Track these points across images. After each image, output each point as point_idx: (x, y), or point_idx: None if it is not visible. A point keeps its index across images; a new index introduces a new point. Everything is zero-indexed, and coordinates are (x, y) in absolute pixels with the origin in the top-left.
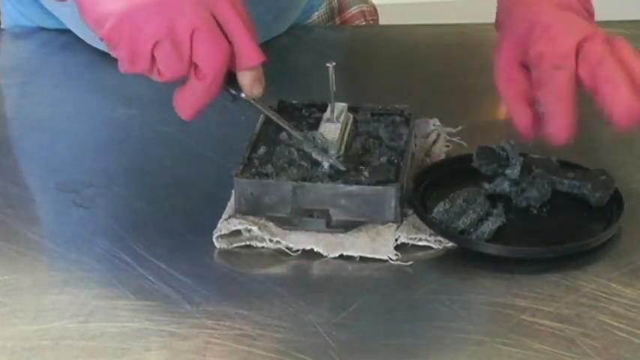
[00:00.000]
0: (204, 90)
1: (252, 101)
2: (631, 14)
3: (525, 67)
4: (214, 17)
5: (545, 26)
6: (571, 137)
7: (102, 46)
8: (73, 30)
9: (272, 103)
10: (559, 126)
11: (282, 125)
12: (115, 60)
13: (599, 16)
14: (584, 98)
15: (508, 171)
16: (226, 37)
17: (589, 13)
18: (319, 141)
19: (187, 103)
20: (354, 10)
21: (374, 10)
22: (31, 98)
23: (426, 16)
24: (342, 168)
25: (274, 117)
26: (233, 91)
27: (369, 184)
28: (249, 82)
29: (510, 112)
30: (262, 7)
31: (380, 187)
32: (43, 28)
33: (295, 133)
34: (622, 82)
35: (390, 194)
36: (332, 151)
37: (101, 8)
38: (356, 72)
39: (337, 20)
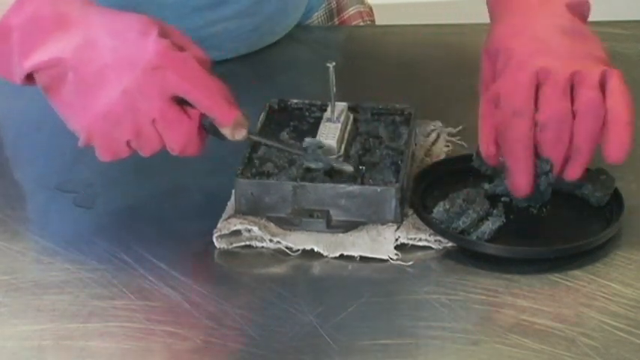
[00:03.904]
0: (179, 153)
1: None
2: (631, 14)
3: None
4: (173, 95)
5: (507, 54)
6: (529, 191)
7: None
8: None
9: (273, 102)
10: (515, 184)
11: (279, 147)
12: None
13: (599, 16)
14: None
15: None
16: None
17: (583, 17)
18: (318, 152)
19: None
20: (351, 10)
21: (370, 11)
22: (31, 98)
23: (426, 17)
24: (350, 169)
25: (268, 142)
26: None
27: (369, 185)
28: (229, 133)
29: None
30: (265, 13)
31: (380, 188)
32: None
33: (295, 151)
34: (524, 166)
35: (390, 194)
36: (331, 155)
37: (72, 121)
38: (356, 72)
39: (336, 21)
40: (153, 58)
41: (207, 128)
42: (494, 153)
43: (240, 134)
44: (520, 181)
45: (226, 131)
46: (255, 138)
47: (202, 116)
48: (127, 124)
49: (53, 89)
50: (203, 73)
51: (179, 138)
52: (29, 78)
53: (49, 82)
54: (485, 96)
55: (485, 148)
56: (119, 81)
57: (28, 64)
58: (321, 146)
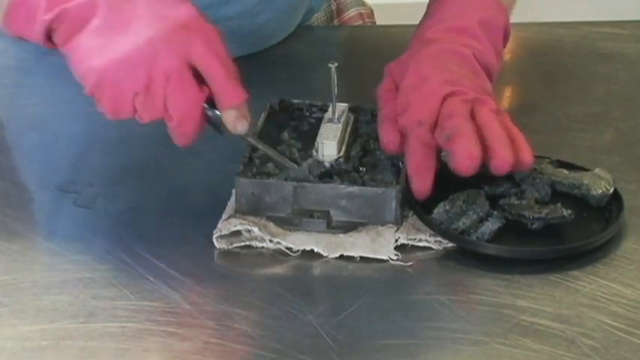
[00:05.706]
0: (175, 130)
1: (240, 135)
2: (631, 14)
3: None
4: (191, 62)
5: (418, 77)
6: (428, 194)
7: None
8: None
9: (273, 102)
10: (417, 187)
11: (273, 156)
12: None
13: (599, 16)
14: (584, 99)
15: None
16: (204, 79)
17: (487, 70)
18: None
19: (172, 136)
20: (352, 12)
21: (371, 13)
22: (31, 98)
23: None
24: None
25: (264, 149)
26: (220, 129)
27: (370, 186)
28: (232, 120)
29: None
30: (268, 14)
31: (381, 189)
32: None
33: (287, 164)
34: (465, 131)
35: (390, 196)
36: (327, 162)
37: (85, 64)
38: (357, 72)
39: (336, 22)
40: (185, 18)
41: (210, 119)
42: (395, 145)
43: (242, 125)
44: (420, 185)
45: (229, 118)
46: (252, 140)
47: (209, 101)
48: (141, 73)
49: (72, 36)
50: (224, 49)
51: (183, 105)
52: (48, 36)
53: (69, 30)
54: (390, 103)
55: (387, 139)
56: (146, 31)
57: (55, 11)
58: (321, 163)
